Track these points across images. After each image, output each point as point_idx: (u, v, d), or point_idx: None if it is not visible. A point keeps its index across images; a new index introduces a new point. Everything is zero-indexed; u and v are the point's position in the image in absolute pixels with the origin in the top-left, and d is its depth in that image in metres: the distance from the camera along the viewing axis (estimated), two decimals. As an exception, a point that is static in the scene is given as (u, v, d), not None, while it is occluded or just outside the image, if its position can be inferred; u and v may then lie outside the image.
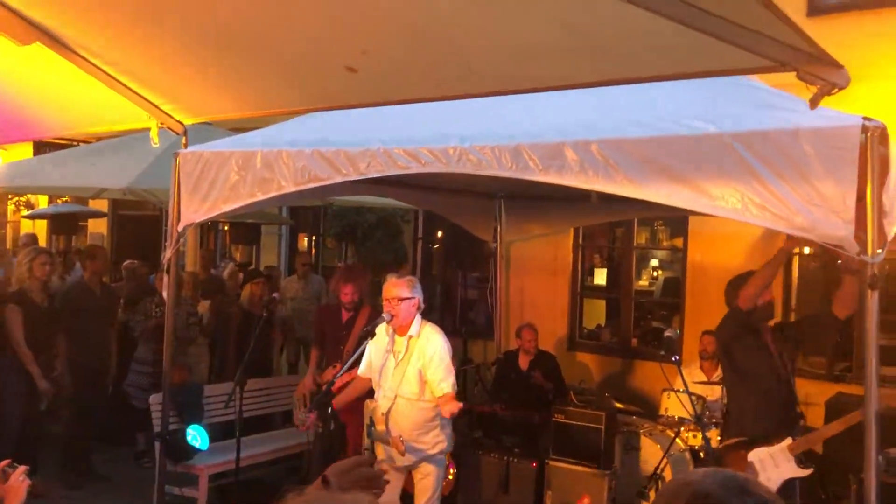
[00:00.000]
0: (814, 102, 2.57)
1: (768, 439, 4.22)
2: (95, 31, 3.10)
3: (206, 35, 2.95)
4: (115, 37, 3.09)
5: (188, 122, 3.78)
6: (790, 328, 4.57)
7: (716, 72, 2.81)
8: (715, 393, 5.71)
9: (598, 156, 3.40)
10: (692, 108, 3.45)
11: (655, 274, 11.13)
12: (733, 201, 3.12)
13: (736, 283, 4.40)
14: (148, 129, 4.14)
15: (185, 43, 3.04)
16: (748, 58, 2.35)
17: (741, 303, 4.24)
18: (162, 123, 3.70)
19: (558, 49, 2.70)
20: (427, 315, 4.68)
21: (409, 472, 4.52)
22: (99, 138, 8.62)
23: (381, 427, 4.36)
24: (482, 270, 9.38)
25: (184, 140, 4.00)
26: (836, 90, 2.46)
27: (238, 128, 5.63)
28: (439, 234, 10.35)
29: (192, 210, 4.77)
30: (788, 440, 4.18)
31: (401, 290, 4.33)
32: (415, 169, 3.99)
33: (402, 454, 4.18)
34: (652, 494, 5.70)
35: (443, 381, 4.29)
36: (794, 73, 2.47)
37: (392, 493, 4.45)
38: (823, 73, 2.44)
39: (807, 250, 7.39)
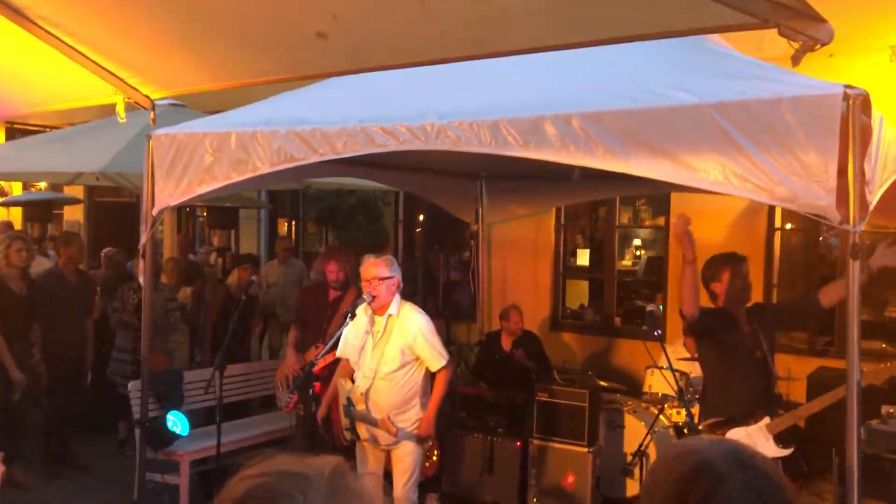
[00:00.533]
0: (796, 60, 2.51)
1: (745, 419, 4.20)
2: (56, 0, 2.99)
3: (173, 4, 2.86)
4: (77, 7, 2.97)
5: (156, 96, 3.68)
6: (769, 312, 4.54)
7: (697, 30, 2.75)
8: (698, 369, 5.71)
9: (579, 130, 3.35)
10: (670, 79, 3.40)
11: (638, 253, 11.15)
12: (714, 173, 3.09)
13: (708, 265, 4.35)
14: (117, 115, 4.04)
15: (150, 13, 2.93)
16: (730, 14, 2.29)
17: (686, 314, 4.20)
18: (128, 98, 3.59)
19: (534, 10, 2.64)
20: (410, 298, 4.64)
21: (387, 452, 4.49)
22: (71, 124, 8.48)
23: (360, 406, 4.33)
24: (464, 252, 9.35)
25: (152, 115, 3.90)
26: (818, 46, 2.41)
27: (215, 110, 5.53)
28: (420, 216, 10.29)
29: (167, 193, 4.68)
30: (766, 419, 4.17)
31: (380, 270, 4.30)
32: (392, 147, 3.93)
33: (394, 435, 4.16)
34: (636, 471, 5.72)
35: (434, 357, 4.32)
36: (768, 34, 2.41)
37: (377, 468, 4.43)
38: (806, 29, 2.38)
39: (788, 226, 7.42)
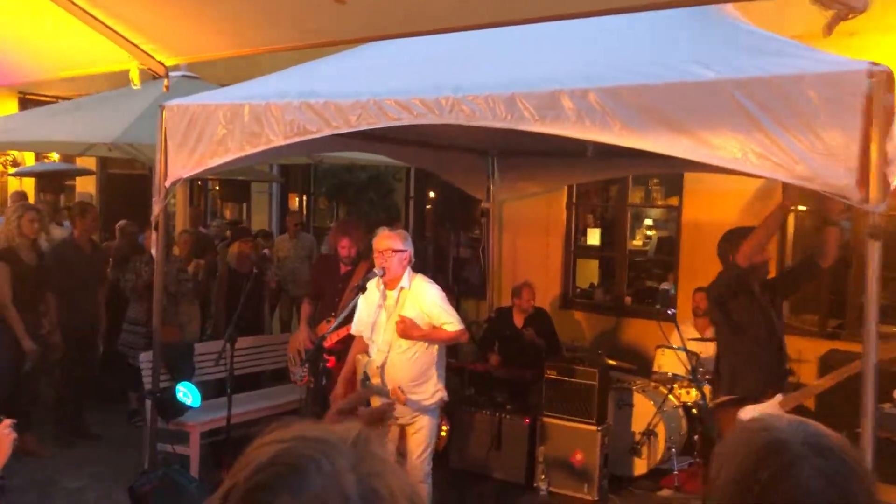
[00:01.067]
0: (829, 28, 2.45)
1: (758, 397, 4.17)
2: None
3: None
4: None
5: (170, 62, 3.64)
6: (778, 282, 4.53)
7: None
8: (708, 350, 5.69)
9: (596, 104, 3.31)
10: (690, 54, 3.35)
11: (649, 233, 11.09)
12: (733, 150, 3.05)
13: (729, 238, 4.33)
14: (131, 83, 3.99)
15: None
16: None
17: (740, 260, 4.15)
18: (142, 65, 3.56)
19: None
20: (420, 273, 4.63)
21: (402, 428, 4.50)
22: (83, 95, 8.45)
23: (376, 380, 4.33)
24: (475, 229, 9.32)
25: (166, 82, 3.87)
26: (852, 15, 2.35)
27: (228, 83, 5.50)
28: (431, 193, 10.26)
29: (180, 165, 4.68)
30: (779, 397, 4.15)
31: (393, 242, 4.29)
32: (406, 120, 3.90)
33: (404, 403, 4.16)
34: (644, 450, 5.73)
35: (450, 321, 4.32)
36: (789, 11, 2.35)
37: (390, 445, 4.44)
38: (840, -5, 2.30)
39: (802, 208, 7.35)
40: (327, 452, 0.79)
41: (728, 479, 1.09)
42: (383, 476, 0.78)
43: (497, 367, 6.45)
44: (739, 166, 3.08)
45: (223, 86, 5.50)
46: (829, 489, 1.04)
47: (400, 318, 4.24)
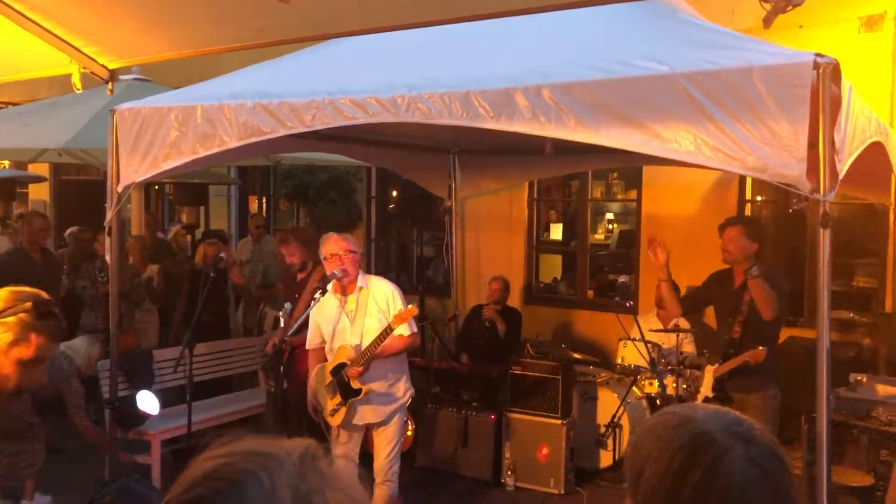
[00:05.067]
0: (768, 21, 2.49)
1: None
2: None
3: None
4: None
5: (113, 65, 3.55)
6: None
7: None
8: (670, 340, 5.76)
9: (550, 101, 3.32)
10: (641, 49, 3.38)
11: (611, 227, 11.18)
12: (686, 143, 3.08)
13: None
14: (86, 88, 3.90)
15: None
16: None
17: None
18: (84, 68, 3.46)
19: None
20: (384, 274, 4.63)
21: (367, 430, 4.46)
22: (35, 100, 8.26)
23: (354, 385, 4.27)
24: (438, 228, 9.31)
25: (110, 86, 3.78)
26: (790, 7, 2.39)
27: (182, 85, 5.41)
28: (393, 192, 10.21)
29: (132, 169, 4.59)
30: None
31: (348, 244, 4.29)
32: (362, 120, 3.87)
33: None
34: (609, 442, 5.77)
35: (402, 327, 4.26)
36: (739, 5, 2.39)
37: (352, 450, 4.40)
38: (780, -12, 2.35)
39: (759, 198, 7.47)
40: (268, 467, 0.77)
41: (655, 481, 1.05)
42: (322, 492, 0.76)
43: (464, 364, 6.48)
44: (693, 159, 3.11)
45: (176, 88, 5.41)
46: (764, 479, 1.03)
47: (349, 371, 4.21)
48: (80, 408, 4.69)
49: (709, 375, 4.64)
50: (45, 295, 2.10)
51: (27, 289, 2.06)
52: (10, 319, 1.93)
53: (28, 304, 1.91)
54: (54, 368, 5.03)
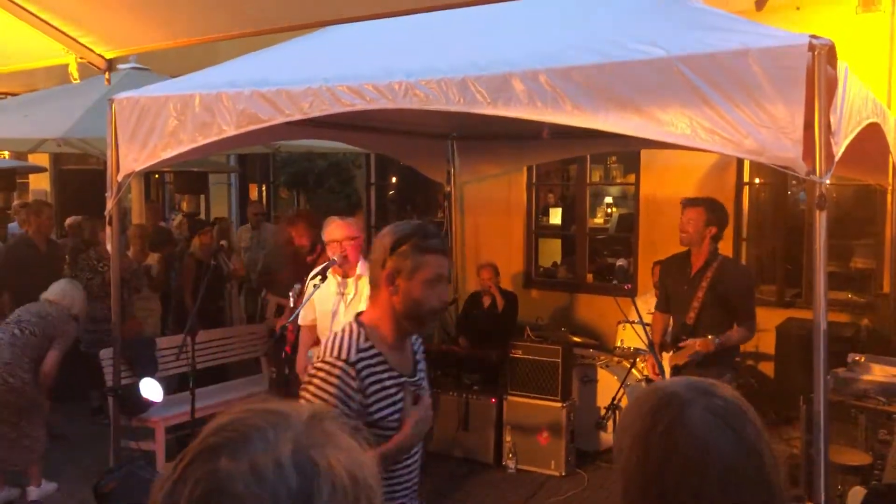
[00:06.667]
0: (760, 4, 2.49)
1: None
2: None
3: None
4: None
5: (110, 55, 3.54)
6: None
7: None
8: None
9: (546, 86, 3.33)
10: (637, 32, 3.38)
11: (610, 211, 11.19)
12: (682, 126, 3.08)
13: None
14: (84, 77, 3.90)
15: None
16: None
17: None
18: (81, 58, 3.45)
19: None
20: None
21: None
22: (33, 90, 8.25)
23: None
24: (437, 213, 9.33)
25: (107, 76, 3.78)
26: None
27: (180, 74, 5.41)
28: (393, 178, 10.22)
29: (132, 158, 4.60)
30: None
31: (351, 230, 4.30)
32: (360, 106, 3.87)
33: None
34: (609, 425, 5.82)
35: None
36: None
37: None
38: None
39: (757, 181, 7.48)
40: (276, 424, 0.81)
41: (631, 444, 1.13)
42: (323, 448, 0.79)
43: (464, 348, 6.51)
44: (690, 142, 3.11)
45: (175, 77, 5.41)
46: (723, 427, 1.08)
47: None
48: (60, 348, 4.79)
49: (665, 362, 4.64)
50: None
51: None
52: (404, 248, 2.13)
53: (412, 233, 2.17)
54: (45, 322, 5.10)
